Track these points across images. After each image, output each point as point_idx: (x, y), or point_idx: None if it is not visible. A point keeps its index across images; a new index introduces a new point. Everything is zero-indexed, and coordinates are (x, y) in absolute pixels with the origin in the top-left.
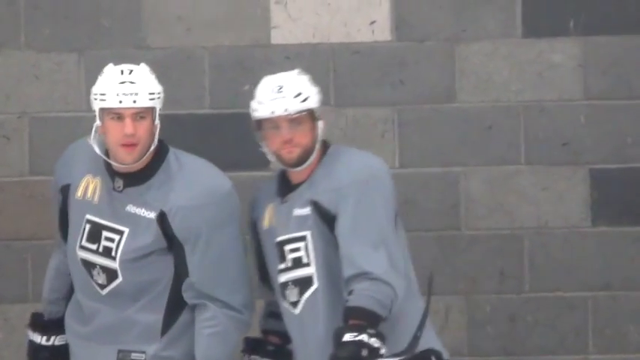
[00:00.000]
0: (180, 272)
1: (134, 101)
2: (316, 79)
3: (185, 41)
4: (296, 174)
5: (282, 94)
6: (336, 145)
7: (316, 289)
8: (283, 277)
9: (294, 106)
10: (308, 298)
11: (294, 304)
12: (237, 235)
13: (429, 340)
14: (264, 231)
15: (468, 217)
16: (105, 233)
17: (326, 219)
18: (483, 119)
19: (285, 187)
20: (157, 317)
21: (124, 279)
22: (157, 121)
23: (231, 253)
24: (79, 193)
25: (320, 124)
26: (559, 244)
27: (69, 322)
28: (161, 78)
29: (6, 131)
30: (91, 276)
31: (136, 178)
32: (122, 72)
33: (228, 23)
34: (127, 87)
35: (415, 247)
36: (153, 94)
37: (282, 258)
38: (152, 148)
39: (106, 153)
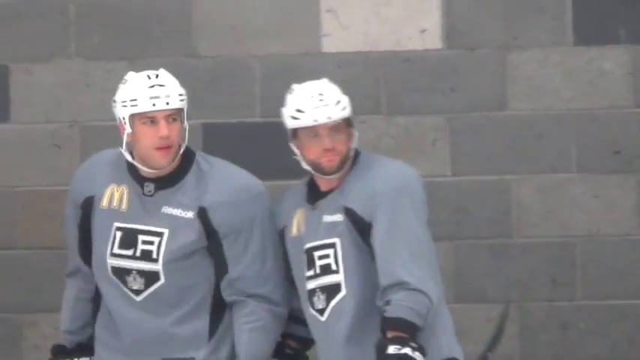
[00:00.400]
0: (220, 271)
1: (167, 103)
2: (367, 87)
3: (235, 50)
4: (325, 181)
5: (324, 102)
6: (365, 152)
7: (344, 297)
8: (311, 284)
9: (337, 114)
10: (335, 306)
11: (321, 311)
12: (273, 229)
13: (453, 350)
14: (291, 238)
15: (519, 224)
16: (142, 237)
17: (360, 226)
18: (534, 127)
19: (314, 193)
20: (203, 323)
21: (166, 281)
22: (186, 123)
23: (269, 247)
24: (104, 202)
25: (354, 131)
26: (611, 251)
27: (100, 334)
28: (211, 86)
29: (57, 140)
30: (125, 283)
31: (166, 182)
32: (149, 77)
33: (279, 32)
34: (158, 90)
35: (467, 254)
36: (182, 95)
37: (311, 265)
38: (182, 150)
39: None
